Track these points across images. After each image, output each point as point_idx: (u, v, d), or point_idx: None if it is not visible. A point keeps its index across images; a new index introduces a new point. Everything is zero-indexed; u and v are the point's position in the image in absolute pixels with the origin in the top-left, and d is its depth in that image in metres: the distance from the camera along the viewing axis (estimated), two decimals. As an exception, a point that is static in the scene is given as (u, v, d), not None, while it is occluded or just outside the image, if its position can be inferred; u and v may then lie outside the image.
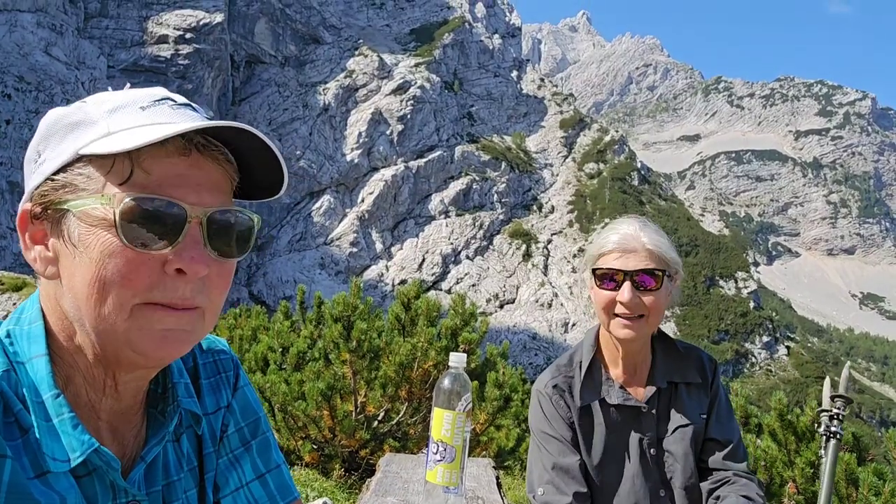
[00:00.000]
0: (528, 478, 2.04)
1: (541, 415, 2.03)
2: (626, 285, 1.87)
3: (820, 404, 2.06)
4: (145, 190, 0.85)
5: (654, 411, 1.99)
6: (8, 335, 0.91)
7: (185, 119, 0.87)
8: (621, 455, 1.97)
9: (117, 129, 0.86)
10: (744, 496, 1.85)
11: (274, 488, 1.16)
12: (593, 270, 1.96)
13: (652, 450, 1.97)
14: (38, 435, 0.84)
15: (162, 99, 0.90)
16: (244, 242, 0.94)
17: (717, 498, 1.92)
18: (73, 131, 0.87)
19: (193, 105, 0.93)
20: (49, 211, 0.87)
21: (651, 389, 2.00)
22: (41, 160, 0.89)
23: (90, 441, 0.86)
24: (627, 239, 1.91)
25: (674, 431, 1.98)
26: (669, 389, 2.03)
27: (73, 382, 0.91)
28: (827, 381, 2.03)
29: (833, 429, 1.85)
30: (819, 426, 1.93)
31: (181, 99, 0.92)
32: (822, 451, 1.92)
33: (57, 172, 0.87)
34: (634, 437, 1.98)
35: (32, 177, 0.90)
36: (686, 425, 1.97)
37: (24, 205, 0.90)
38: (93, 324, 0.87)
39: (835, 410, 1.88)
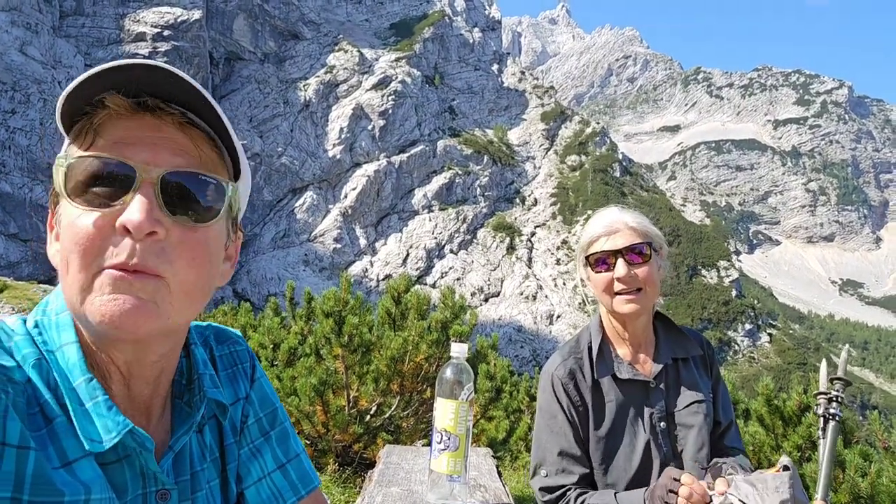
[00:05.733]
0: (532, 456, 2.10)
1: (552, 398, 2.08)
2: (620, 262, 1.99)
3: (817, 387, 2.07)
4: (100, 152, 0.84)
5: (661, 386, 2.07)
6: (36, 326, 0.92)
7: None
8: (632, 429, 2.03)
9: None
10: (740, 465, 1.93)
11: (295, 477, 1.17)
12: (587, 258, 2.07)
13: (662, 423, 2.04)
14: (74, 419, 0.85)
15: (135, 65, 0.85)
16: (211, 208, 0.90)
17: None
18: None
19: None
20: (55, 196, 0.89)
21: (658, 366, 2.09)
22: None
23: (125, 422, 0.86)
24: (611, 222, 2.04)
25: (688, 405, 2.06)
26: (676, 366, 2.13)
27: (96, 368, 0.91)
28: (823, 364, 2.05)
29: (832, 411, 1.86)
30: (818, 408, 1.95)
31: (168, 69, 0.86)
32: (821, 434, 1.93)
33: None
34: (645, 412, 2.04)
35: None
36: (701, 401, 2.06)
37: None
38: (67, 300, 0.87)
39: (833, 393, 1.90)
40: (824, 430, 1.92)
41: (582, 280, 2.17)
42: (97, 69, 0.81)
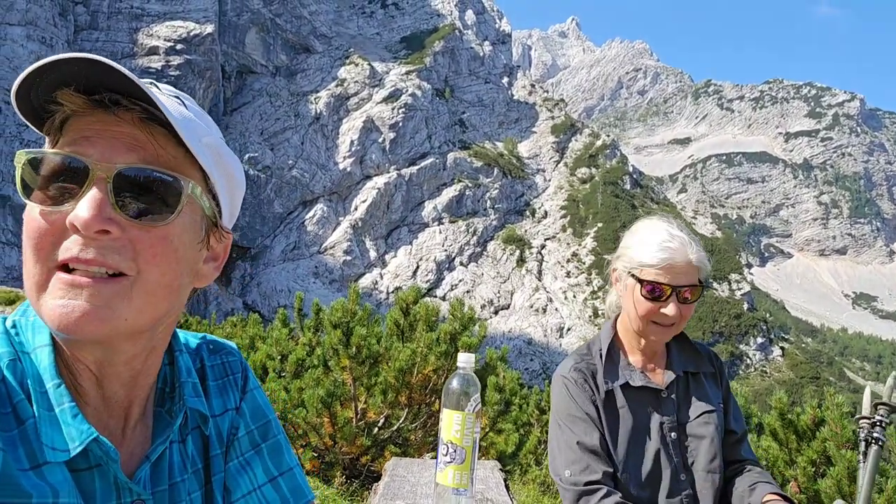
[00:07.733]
0: (552, 462, 2.06)
1: (566, 396, 2.06)
2: (672, 302, 1.97)
3: (859, 412, 2.08)
4: (60, 149, 0.84)
5: (673, 396, 2.07)
6: (14, 326, 0.91)
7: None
8: (642, 438, 2.01)
9: None
10: (766, 482, 1.95)
11: (287, 491, 1.15)
12: (637, 278, 2.02)
13: (673, 434, 2.02)
14: (38, 425, 0.83)
15: None
16: (167, 205, 0.86)
17: (739, 485, 2.00)
18: None
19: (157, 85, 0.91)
20: None
21: (670, 376, 2.09)
22: None
23: (89, 430, 0.84)
24: (676, 256, 1.98)
25: (698, 416, 2.05)
26: (686, 378, 2.12)
27: (69, 372, 0.90)
28: (868, 390, 2.07)
29: (875, 435, 1.86)
30: (860, 432, 1.95)
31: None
32: (861, 457, 1.92)
33: None
34: (655, 421, 2.03)
35: None
36: (711, 411, 2.06)
37: None
38: (27, 296, 0.85)
39: (877, 417, 1.90)
40: (865, 454, 1.90)
41: (615, 281, 2.14)
42: (34, 66, 0.79)
